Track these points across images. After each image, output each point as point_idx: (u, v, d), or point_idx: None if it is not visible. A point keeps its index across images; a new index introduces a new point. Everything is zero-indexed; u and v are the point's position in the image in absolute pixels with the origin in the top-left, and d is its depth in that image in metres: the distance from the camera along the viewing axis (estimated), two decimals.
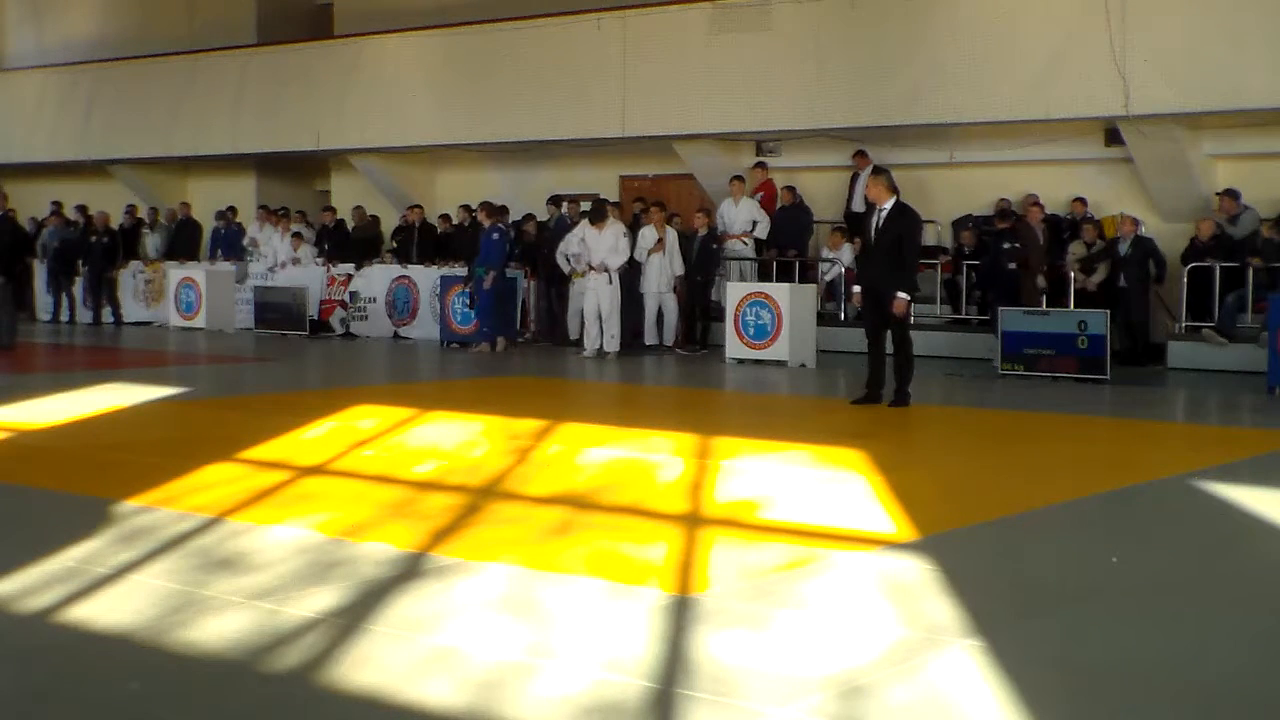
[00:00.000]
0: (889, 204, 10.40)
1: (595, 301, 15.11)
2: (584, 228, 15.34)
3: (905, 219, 10.40)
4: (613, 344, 15.12)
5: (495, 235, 15.82)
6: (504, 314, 16.04)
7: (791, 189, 17.01)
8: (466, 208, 17.91)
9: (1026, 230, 14.18)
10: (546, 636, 4.18)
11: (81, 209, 21.95)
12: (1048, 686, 3.76)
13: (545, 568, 5.04)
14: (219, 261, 20.51)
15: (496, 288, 15.72)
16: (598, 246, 15.07)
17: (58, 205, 22.11)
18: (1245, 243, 14.12)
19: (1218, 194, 14.63)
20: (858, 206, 16.10)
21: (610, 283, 15.01)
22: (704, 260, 15.96)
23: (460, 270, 16.73)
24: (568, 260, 16.10)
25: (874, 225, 10.46)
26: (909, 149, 16.63)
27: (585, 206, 16.61)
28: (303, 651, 3.97)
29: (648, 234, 15.84)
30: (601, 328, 15.10)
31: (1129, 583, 5.06)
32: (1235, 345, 13.68)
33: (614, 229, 15.18)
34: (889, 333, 10.48)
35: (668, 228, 15.90)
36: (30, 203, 22.97)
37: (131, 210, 22.22)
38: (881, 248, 10.32)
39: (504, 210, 16.45)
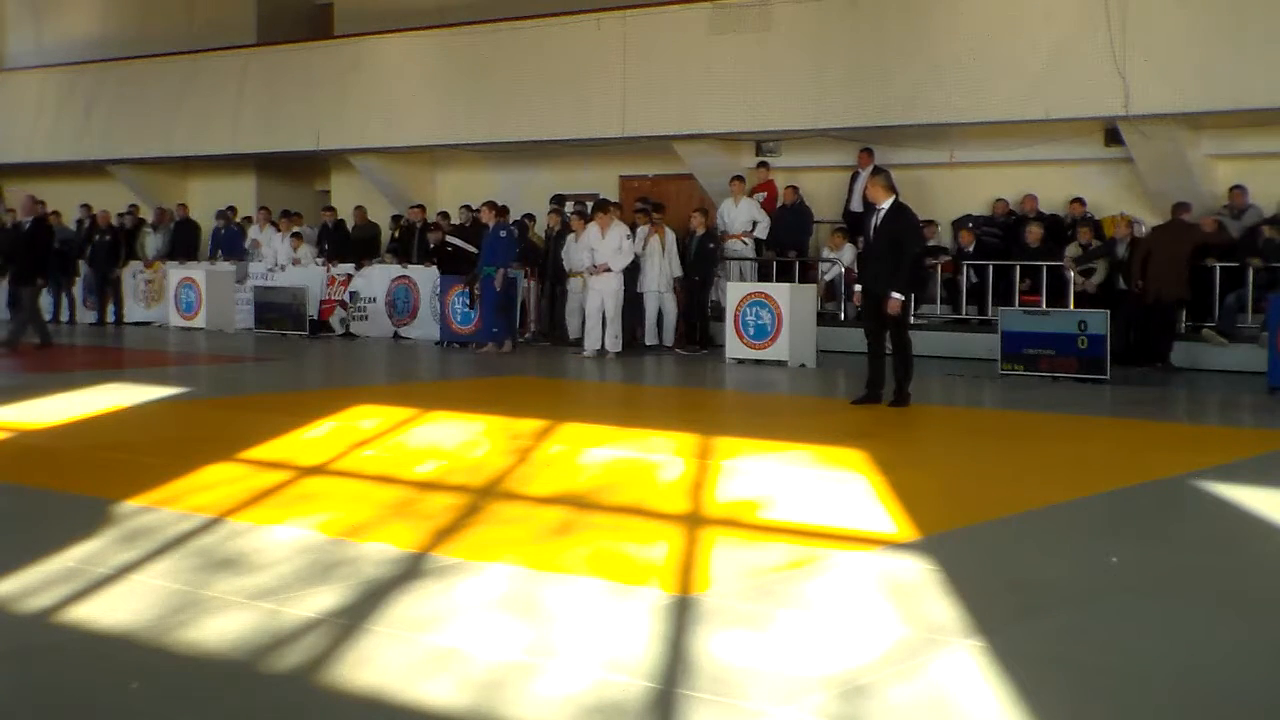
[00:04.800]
0: (886, 204, 10.40)
1: (598, 301, 15.12)
2: (590, 229, 15.33)
3: (902, 220, 10.41)
4: (615, 344, 15.14)
5: (503, 234, 15.86)
6: (509, 314, 16.03)
7: (794, 188, 17.02)
8: (467, 208, 17.92)
9: (1213, 234, 14.11)
10: (547, 636, 4.18)
11: (86, 208, 21.96)
12: (1048, 686, 3.76)
13: (546, 568, 5.04)
14: (219, 261, 20.51)
15: (486, 287, 15.73)
16: (602, 247, 15.09)
17: (42, 204, 22.10)
18: (1246, 242, 14.13)
19: (1231, 188, 14.62)
20: (856, 206, 16.11)
21: (615, 282, 15.04)
22: (701, 260, 15.97)
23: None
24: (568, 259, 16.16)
25: (872, 225, 10.48)
26: (909, 149, 16.62)
27: (574, 207, 16.68)
28: (304, 652, 3.97)
29: (642, 232, 15.90)
30: (604, 327, 15.11)
31: (1129, 583, 5.07)
32: (1235, 345, 13.68)
33: (617, 230, 15.20)
34: (888, 332, 10.49)
35: (666, 229, 15.97)
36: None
37: (133, 210, 22.23)
38: (878, 248, 10.34)
39: (506, 210, 16.47)
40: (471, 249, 16.62)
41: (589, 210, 15.72)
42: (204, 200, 22.90)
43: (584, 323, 15.68)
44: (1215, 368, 13.68)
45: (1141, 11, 14.17)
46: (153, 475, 6.86)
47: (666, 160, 18.27)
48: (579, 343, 15.82)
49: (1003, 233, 15.69)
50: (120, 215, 21.55)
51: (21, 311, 15.74)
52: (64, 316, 20.83)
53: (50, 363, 14.40)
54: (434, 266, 17.43)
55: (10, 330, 15.59)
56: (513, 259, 15.95)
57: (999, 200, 16.07)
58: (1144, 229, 14.92)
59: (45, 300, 21.10)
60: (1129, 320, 13.98)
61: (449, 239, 17.23)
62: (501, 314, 15.76)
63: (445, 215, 19.01)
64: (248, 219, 21.30)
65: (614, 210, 15.75)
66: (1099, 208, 15.61)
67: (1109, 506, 6.67)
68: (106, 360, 14.85)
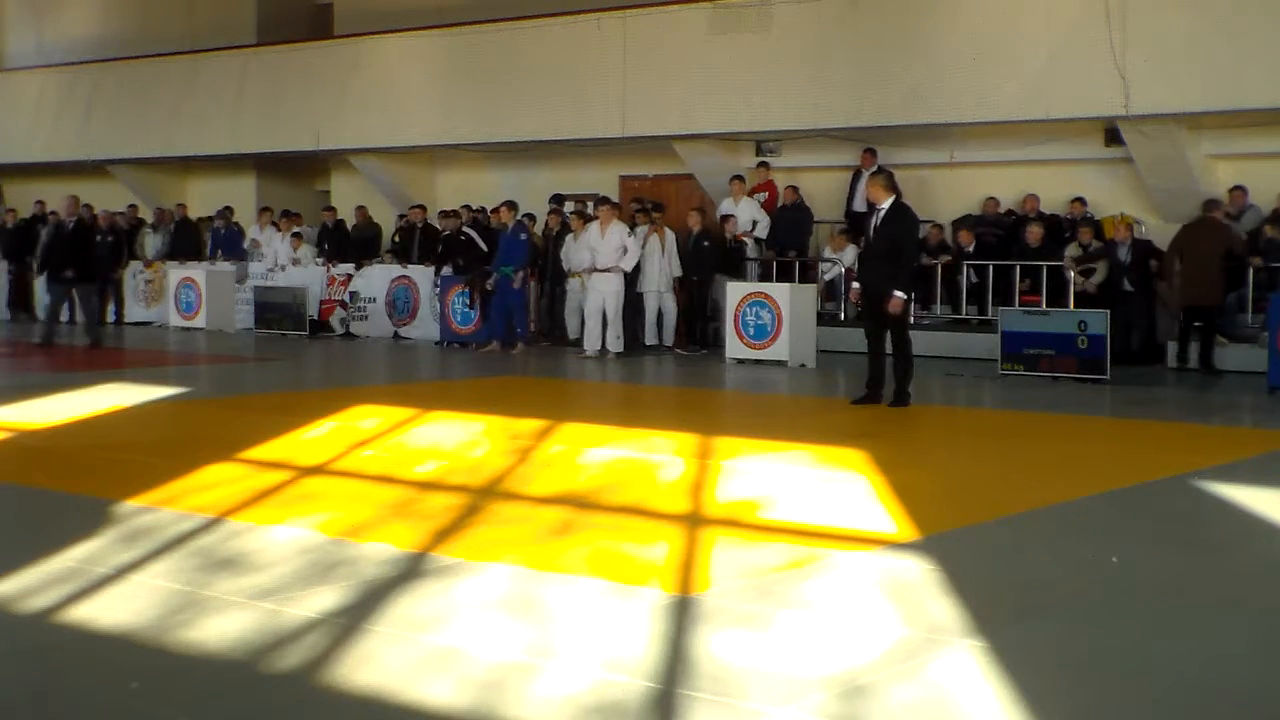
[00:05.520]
0: (887, 204, 10.41)
1: (599, 301, 15.11)
2: (591, 229, 15.32)
3: (902, 220, 10.41)
4: (617, 344, 15.14)
5: (523, 235, 15.89)
6: (521, 315, 16.03)
7: (794, 188, 17.02)
8: (468, 208, 17.91)
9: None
10: (548, 636, 4.18)
11: (88, 208, 21.92)
12: (1048, 686, 3.76)
13: (546, 568, 5.04)
14: (219, 261, 20.51)
15: (503, 287, 15.73)
16: (602, 247, 15.08)
17: (41, 204, 22.14)
18: (1245, 241, 14.12)
19: (1229, 190, 14.62)
20: (859, 206, 16.11)
21: (616, 283, 15.04)
22: (698, 260, 15.97)
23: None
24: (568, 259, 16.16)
25: (872, 225, 10.49)
26: (909, 149, 16.62)
27: (574, 207, 16.69)
28: (304, 652, 3.97)
29: (642, 231, 15.92)
30: (605, 328, 15.10)
31: (1129, 583, 5.07)
32: (1235, 345, 13.67)
33: (618, 229, 15.19)
34: (888, 333, 10.49)
35: (666, 229, 15.99)
36: (30, 203, 23.01)
37: (133, 210, 22.20)
38: (879, 248, 10.34)
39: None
40: (483, 245, 16.60)
41: (592, 208, 15.72)
42: (204, 200, 22.89)
43: (584, 323, 15.69)
44: (1215, 367, 13.66)
45: (1141, 11, 14.17)
46: (153, 475, 6.86)
47: (666, 160, 18.27)
48: (579, 343, 15.82)
49: (1003, 233, 15.69)
50: (115, 213, 21.52)
51: (90, 309, 16.67)
52: (64, 316, 20.78)
53: (50, 363, 14.40)
54: (432, 266, 17.43)
55: (90, 331, 16.22)
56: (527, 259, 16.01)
57: (989, 199, 16.07)
58: (1144, 230, 14.91)
59: (45, 300, 21.14)
60: (1130, 321, 14.00)
61: (465, 229, 17.10)
62: (519, 314, 15.79)
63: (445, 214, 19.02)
64: (228, 217, 21.32)
65: (613, 209, 15.77)
66: (1099, 208, 15.61)
67: (1109, 506, 6.67)
68: (106, 360, 14.85)
